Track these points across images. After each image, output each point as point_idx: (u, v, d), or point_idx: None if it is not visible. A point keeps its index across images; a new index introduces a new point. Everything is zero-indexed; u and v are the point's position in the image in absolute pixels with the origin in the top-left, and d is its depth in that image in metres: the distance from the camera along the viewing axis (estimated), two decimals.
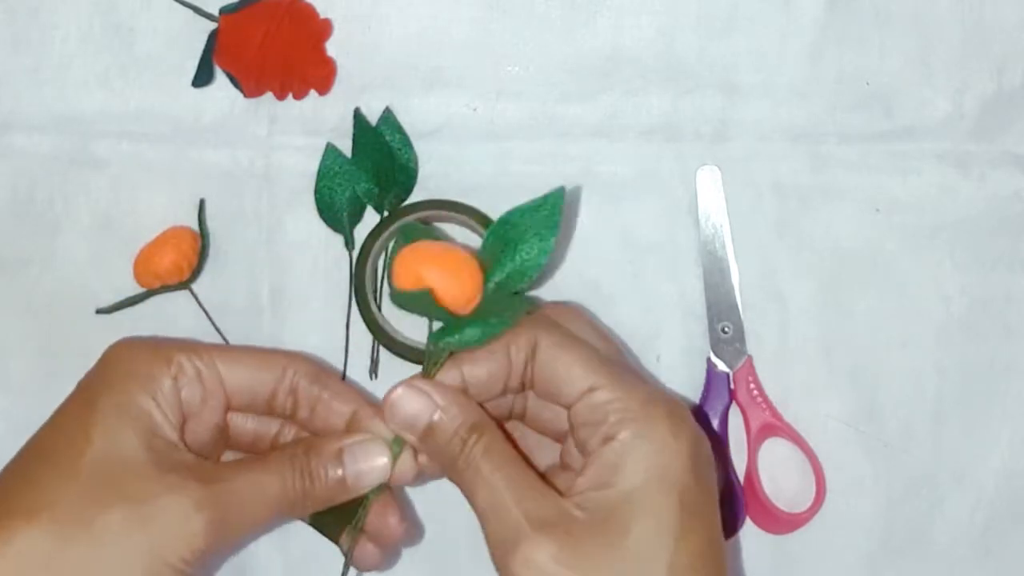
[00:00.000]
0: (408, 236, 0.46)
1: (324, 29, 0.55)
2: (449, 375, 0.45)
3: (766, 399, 0.54)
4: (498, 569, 0.42)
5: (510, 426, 0.48)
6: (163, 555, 0.42)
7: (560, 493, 0.43)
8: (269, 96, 0.55)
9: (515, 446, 0.45)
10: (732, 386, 0.55)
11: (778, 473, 0.55)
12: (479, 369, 0.45)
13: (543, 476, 0.44)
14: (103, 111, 0.56)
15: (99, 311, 0.55)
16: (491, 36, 0.56)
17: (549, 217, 0.45)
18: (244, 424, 0.49)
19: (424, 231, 0.47)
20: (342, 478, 0.46)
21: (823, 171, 0.56)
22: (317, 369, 0.48)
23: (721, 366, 0.55)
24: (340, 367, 0.55)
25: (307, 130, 0.55)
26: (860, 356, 0.55)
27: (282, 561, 0.55)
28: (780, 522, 0.54)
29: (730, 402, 0.54)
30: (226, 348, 0.50)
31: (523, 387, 0.46)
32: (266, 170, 0.56)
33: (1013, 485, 0.55)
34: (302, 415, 0.48)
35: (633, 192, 0.56)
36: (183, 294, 0.55)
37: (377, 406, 0.46)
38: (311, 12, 0.55)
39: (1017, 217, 0.56)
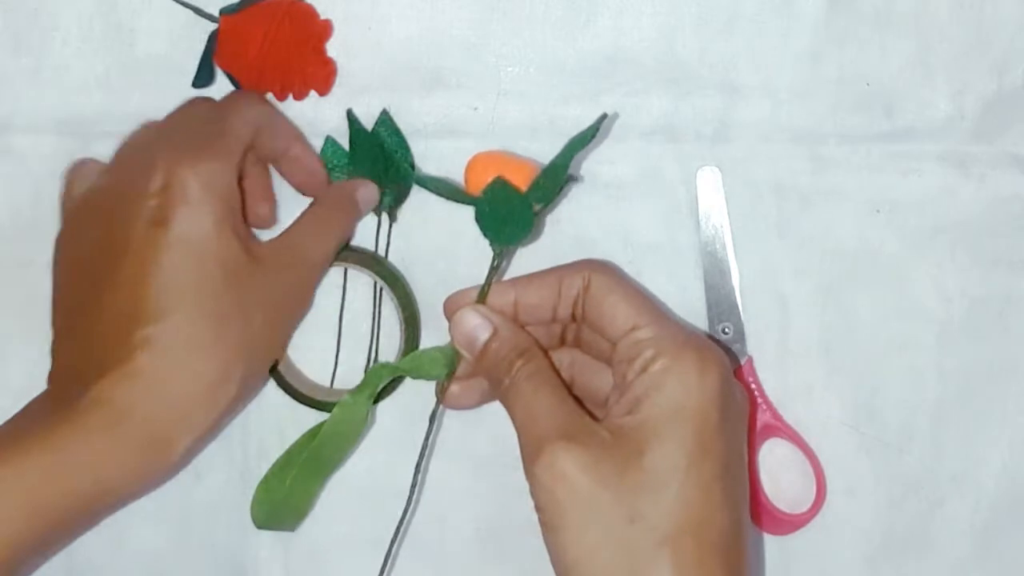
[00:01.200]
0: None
1: (324, 30, 0.55)
2: (503, 296, 0.50)
3: (766, 400, 0.54)
4: (527, 479, 0.45)
5: (571, 354, 0.52)
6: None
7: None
8: (269, 97, 0.55)
9: (558, 375, 0.48)
10: None
11: (778, 474, 0.55)
12: (531, 294, 0.50)
13: (584, 406, 0.47)
14: (103, 112, 0.56)
15: None
16: (491, 37, 0.56)
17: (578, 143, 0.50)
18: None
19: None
20: (356, 203, 0.54)
21: (823, 172, 0.56)
22: (269, 109, 0.54)
23: None
24: (340, 367, 0.56)
25: (307, 131, 0.55)
26: (860, 357, 0.55)
27: (283, 561, 0.55)
28: (781, 523, 0.54)
29: None
30: (238, 114, 0.52)
31: (573, 318, 0.50)
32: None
33: (1013, 486, 0.55)
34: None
35: (633, 193, 0.56)
36: None
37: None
38: (311, 13, 0.55)
39: (1018, 218, 0.56)
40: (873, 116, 0.56)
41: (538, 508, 0.44)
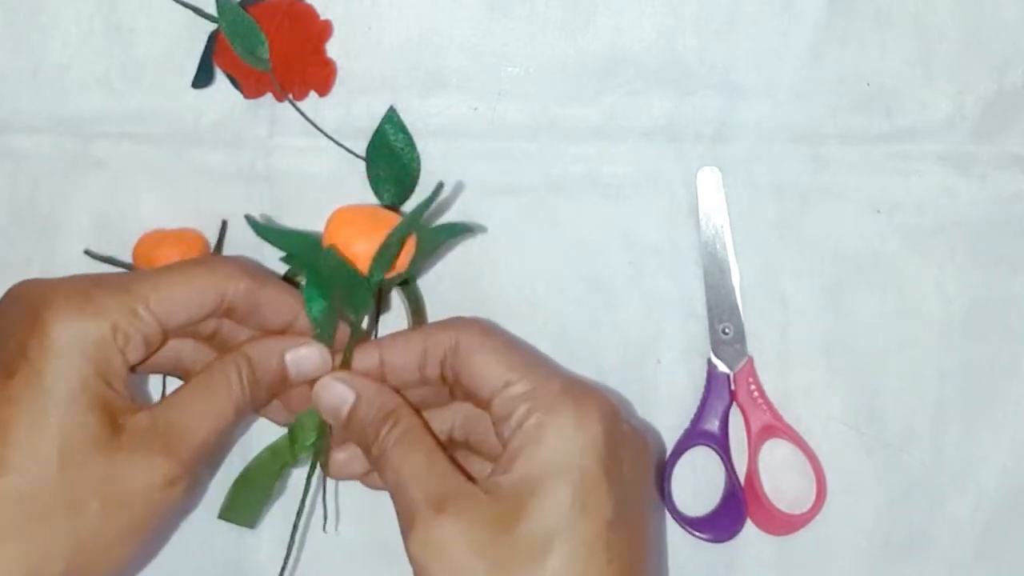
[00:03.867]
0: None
1: (324, 30, 0.55)
2: (368, 358, 0.48)
3: (767, 400, 0.54)
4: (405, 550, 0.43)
5: (463, 408, 0.49)
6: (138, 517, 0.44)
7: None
8: (269, 97, 0.55)
9: (431, 432, 0.47)
10: (733, 387, 0.55)
11: (779, 474, 0.55)
12: (396, 355, 0.48)
13: (461, 468, 0.45)
14: (103, 112, 0.56)
15: (87, 252, 0.55)
16: (492, 37, 0.56)
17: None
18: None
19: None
20: (283, 373, 0.48)
21: (824, 172, 0.56)
22: (251, 281, 0.48)
23: (722, 367, 0.55)
24: None
25: (307, 131, 0.55)
26: (861, 357, 0.55)
27: (282, 563, 0.55)
28: (781, 523, 0.54)
29: (731, 403, 0.54)
30: (158, 284, 0.46)
31: (444, 379, 0.48)
32: (267, 171, 0.56)
33: (1014, 486, 0.55)
34: (238, 319, 0.49)
35: (634, 193, 0.56)
36: None
37: None
38: (311, 13, 0.55)
39: (1018, 218, 0.55)
40: (873, 116, 0.56)
41: None
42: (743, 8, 0.56)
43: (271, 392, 0.49)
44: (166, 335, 0.47)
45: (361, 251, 0.47)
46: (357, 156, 0.55)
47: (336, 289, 0.47)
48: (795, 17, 0.56)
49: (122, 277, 0.47)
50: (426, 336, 0.48)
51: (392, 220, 0.49)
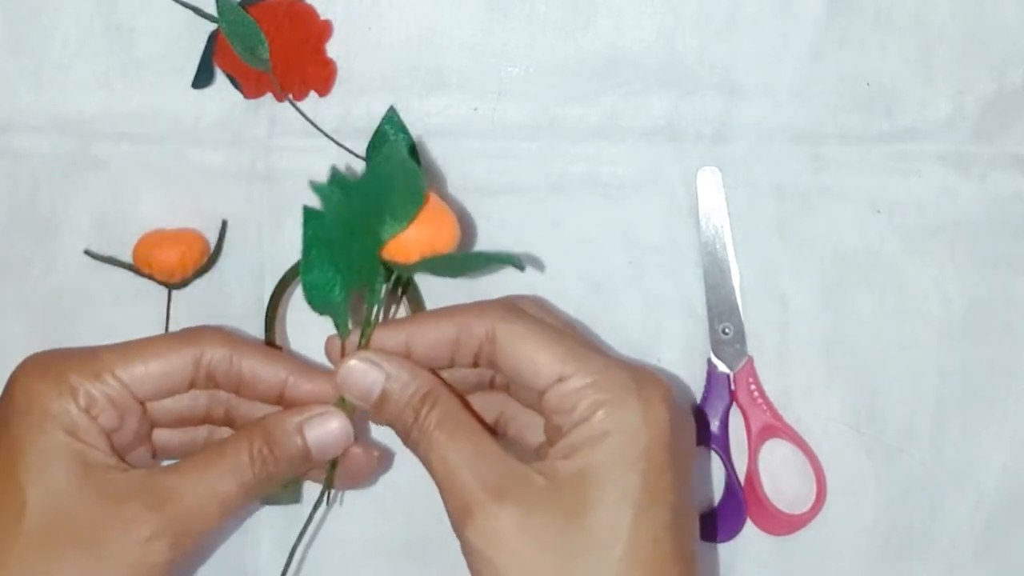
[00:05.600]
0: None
1: (324, 30, 0.55)
2: (392, 338, 0.45)
3: (767, 400, 0.54)
4: (459, 542, 0.42)
5: (498, 399, 0.48)
6: None
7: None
8: (269, 97, 0.55)
9: (473, 413, 0.45)
10: (733, 387, 0.55)
11: (779, 474, 0.55)
12: (423, 338, 0.45)
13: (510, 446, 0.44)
14: (103, 112, 0.56)
15: (87, 252, 0.55)
16: (492, 37, 0.56)
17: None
18: (171, 406, 0.48)
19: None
20: (304, 450, 0.45)
21: (824, 172, 0.56)
22: (230, 348, 0.46)
23: (722, 367, 0.55)
24: None
25: (307, 131, 0.55)
26: (861, 357, 0.55)
27: (283, 562, 0.55)
28: (781, 523, 0.54)
29: (731, 403, 0.54)
30: (127, 351, 0.46)
31: (476, 364, 0.46)
32: (267, 171, 0.56)
33: (1014, 486, 0.55)
34: (226, 393, 0.47)
35: (634, 193, 0.56)
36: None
37: (307, 365, 0.47)
38: (311, 13, 0.55)
39: (1018, 218, 0.55)
40: (873, 116, 0.56)
41: (474, 574, 0.41)
42: (743, 8, 0.56)
43: (292, 468, 0.46)
44: (144, 405, 0.46)
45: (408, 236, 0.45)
46: (357, 156, 0.55)
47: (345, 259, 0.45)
48: (795, 17, 0.56)
49: (94, 347, 0.47)
50: (458, 324, 0.45)
51: (439, 209, 0.46)
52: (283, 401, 0.47)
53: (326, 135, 0.55)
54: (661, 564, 0.41)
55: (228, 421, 0.49)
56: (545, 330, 0.44)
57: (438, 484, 0.43)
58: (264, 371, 0.47)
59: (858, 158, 0.56)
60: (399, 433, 0.45)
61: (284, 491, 0.51)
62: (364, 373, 0.44)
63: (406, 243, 0.45)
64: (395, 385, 0.44)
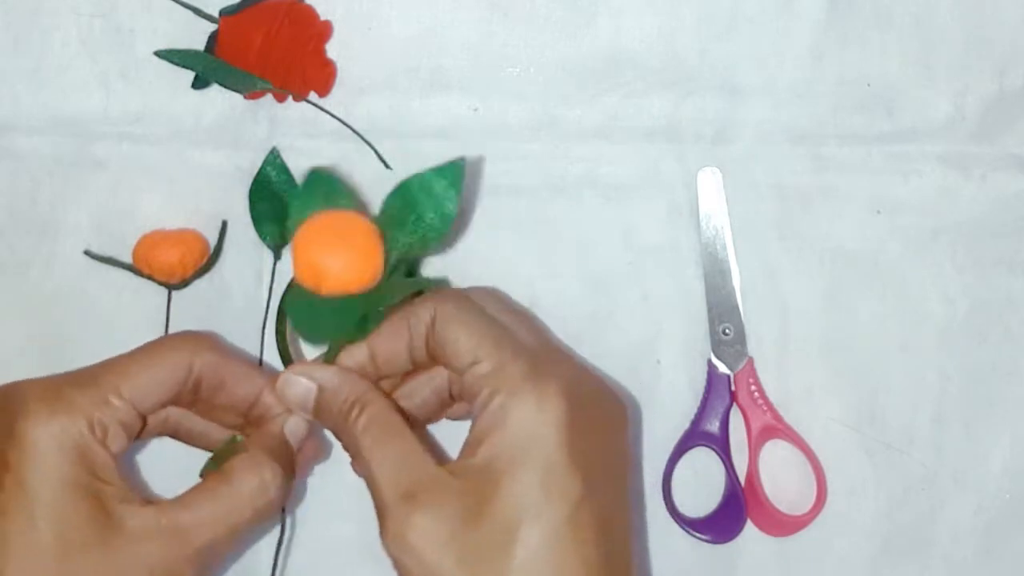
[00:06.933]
0: (305, 201, 0.45)
1: (324, 31, 0.55)
2: (356, 356, 0.46)
3: (767, 401, 0.54)
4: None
5: None
6: None
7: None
8: (269, 98, 0.55)
9: (404, 417, 0.45)
10: (733, 388, 0.55)
11: (779, 475, 0.55)
12: (383, 344, 0.46)
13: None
14: (103, 113, 0.56)
15: (87, 252, 0.55)
16: (492, 38, 0.56)
17: (451, 185, 0.45)
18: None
19: (325, 193, 0.45)
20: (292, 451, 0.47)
21: (824, 172, 0.56)
22: (216, 356, 0.47)
23: (722, 368, 0.55)
24: None
25: (307, 132, 0.55)
26: (861, 358, 0.55)
27: (282, 564, 0.55)
28: (781, 524, 0.54)
29: (731, 404, 0.54)
30: (127, 367, 0.46)
31: (433, 359, 0.46)
32: None
33: (1014, 487, 0.55)
34: (205, 393, 0.47)
35: (634, 194, 0.56)
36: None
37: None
38: (311, 14, 0.55)
39: (1019, 219, 0.55)
40: (874, 117, 0.56)
41: None
42: (743, 9, 0.56)
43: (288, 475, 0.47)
44: (144, 417, 0.46)
45: (331, 265, 0.44)
46: (380, 157, 0.55)
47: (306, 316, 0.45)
48: (795, 17, 0.56)
49: (91, 370, 0.46)
50: (408, 315, 0.46)
51: (366, 230, 0.45)
52: (252, 410, 0.47)
53: (358, 135, 0.55)
54: (563, 557, 0.40)
55: (172, 431, 0.49)
56: (476, 314, 0.45)
57: (368, 488, 0.43)
58: (242, 379, 0.47)
59: (858, 158, 0.56)
60: (339, 441, 0.46)
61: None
62: (298, 383, 0.46)
63: (325, 272, 0.44)
64: (326, 393, 0.45)
